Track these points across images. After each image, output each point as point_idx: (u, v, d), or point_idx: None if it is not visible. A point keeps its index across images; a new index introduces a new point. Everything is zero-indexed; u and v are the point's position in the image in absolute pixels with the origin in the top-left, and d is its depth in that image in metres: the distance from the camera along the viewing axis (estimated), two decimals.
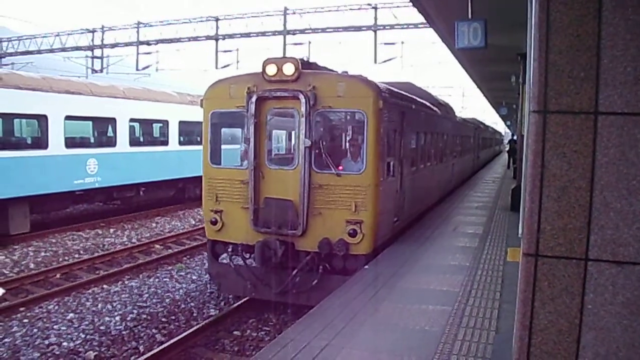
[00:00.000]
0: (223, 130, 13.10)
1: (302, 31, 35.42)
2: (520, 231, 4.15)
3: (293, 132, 12.36)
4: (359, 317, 7.76)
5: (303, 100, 10.76)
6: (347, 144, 12.32)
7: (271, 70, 11.01)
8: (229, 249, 11.74)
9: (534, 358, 3.64)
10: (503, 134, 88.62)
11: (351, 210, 10.73)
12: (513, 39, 15.28)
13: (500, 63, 20.84)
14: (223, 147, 12.77)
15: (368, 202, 10.76)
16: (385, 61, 34.77)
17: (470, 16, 11.65)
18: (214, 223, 11.80)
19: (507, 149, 56.06)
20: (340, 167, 11.25)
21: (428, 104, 18.07)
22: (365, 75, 11.75)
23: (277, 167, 11.53)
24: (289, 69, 10.90)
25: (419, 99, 16.24)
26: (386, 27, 32.95)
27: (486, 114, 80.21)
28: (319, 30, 34.96)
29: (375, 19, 32.97)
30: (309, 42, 35.95)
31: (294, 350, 6.57)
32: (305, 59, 12.04)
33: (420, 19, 19.19)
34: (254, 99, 11.11)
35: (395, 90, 12.94)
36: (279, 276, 11.14)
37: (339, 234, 10.78)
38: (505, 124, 76.75)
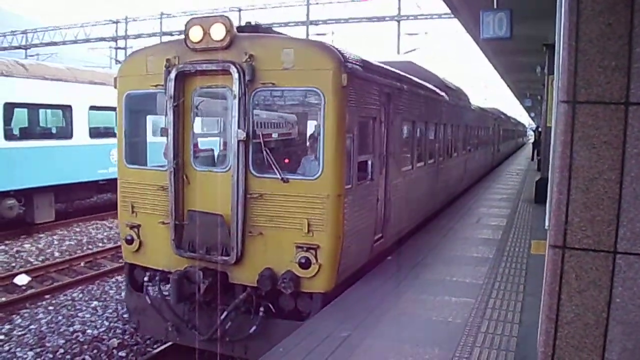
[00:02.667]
0: (149, 118, 10.24)
1: (325, 21, 35.34)
2: (547, 223, 4.10)
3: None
4: (381, 308, 7.75)
5: (235, 75, 7.83)
6: (299, 137, 10.52)
7: (195, 34, 8.10)
8: (145, 277, 8.93)
9: (560, 351, 3.60)
10: (527, 125, 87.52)
11: (302, 230, 7.77)
12: (539, 29, 15.08)
13: (525, 54, 20.62)
14: (149, 140, 9.93)
15: (326, 220, 7.74)
16: (408, 52, 34.55)
17: (495, 6, 11.53)
18: (130, 242, 8.98)
19: (530, 140, 55.56)
20: (299, 170, 8.76)
21: (431, 86, 14.57)
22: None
23: (206, 169, 8.59)
24: (217, 32, 8.00)
25: (416, 79, 12.84)
26: (410, 18, 32.73)
27: (513, 107, 79.27)
28: (342, 21, 34.86)
29: (399, 9, 32.76)
30: (332, 33, 35.88)
31: (316, 341, 6.58)
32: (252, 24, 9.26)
33: (444, 9, 19.05)
34: (173, 74, 8.21)
35: (375, 63, 9.92)
36: (210, 317, 8.32)
37: (286, 263, 7.86)
38: (530, 115, 76.02)
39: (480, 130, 25.53)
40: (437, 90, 15.21)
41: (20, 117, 18.89)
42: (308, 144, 9.75)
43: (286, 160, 9.67)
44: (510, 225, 14.15)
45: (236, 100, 7.90)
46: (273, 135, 19.78)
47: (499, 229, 13.68)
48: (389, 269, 9.88)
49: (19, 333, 10.30)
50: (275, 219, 7.95)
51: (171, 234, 8.38)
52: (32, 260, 15.29)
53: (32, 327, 10.57)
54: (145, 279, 8.85)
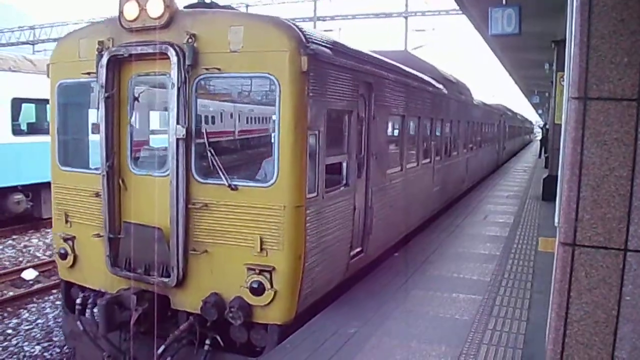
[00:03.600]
0: (91, 112, 8.31)
1: (333, 17, 35.30)
2: (556, 220, 4.08)
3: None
4: (388, 304, 7.74)
5: (174, 59, 6.59)
6: (251, 133, 9.26)
7: (130, 11, 6.86)
8: (79, 299, 7.76)
9: (569, 349, 3.58)
10: (534, 122, 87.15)
11: (254, 248, 6.54)
12: (547, 26, 15.04)
13: (533, 50, 20.55)
14: (91, 139, 8.36)
15: (283, 236, 6.51)
16: (416, 48, 34.50)
17: (504, 2, 11.48)
18: (63, 256, 7.82)
19: (537, 137, 55.29)
20: (259, 174, 7.30)
21: (425, 77, 13.14)
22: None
23: (144, 173, 7.29)
24: (154, 8, 6.74)
25: (406, 69, 11.47)
26: (417, 14, 32.66)
27: (522, 105, 78.97)
28: (350, 17, 34.81)
29: (407, 5, 32.69)
30: (339, 29, 35.83)
31: (323, 337, 6.58)
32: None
33: (452, 5, 18.98)
34: (104, 60, 6.97)
35: (351, 47, 8.58)
36: (150, 349, 6.97)
37: (236, 288, 6.65)
38: (537, 112, 75.74)
39: (484, 126, 23.90)
40: (434, 83, 13.83)
41: (28, 113, 18.93)
42: (262, 144, 8.85)
43: (241, 163, 8.66)
44: (517, 223, 14.11)
45: (175, 90, 6.65)
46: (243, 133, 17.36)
47: (506, 226, 13.64)
48: (397, 265, 9.87)
49: (27, 327, 10.36)
50: (223, 234, 6.73)
51: (105, 249, 7.19)
52: (39, 255, 15.39)
53: (39, 321, 10.62)
54: (78, 300, 7.69)
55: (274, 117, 6.58)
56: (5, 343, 9.72)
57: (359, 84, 8.13)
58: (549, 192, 16.32)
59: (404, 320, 7.19)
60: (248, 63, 6.55)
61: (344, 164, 8.06)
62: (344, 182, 8.03)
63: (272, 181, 6.56)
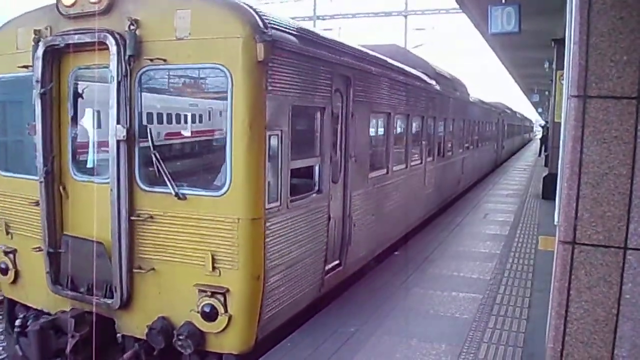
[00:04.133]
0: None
1: (332, 17, 35.29)
2: (556, 218, 4.08)
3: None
4: (389, 303, 7.75)
5: (113, 48, 5.76)
6: (205, 134, 8.55)
7: None
8: (18, 320, 6.84)
9: (569, 347, 3.59)
10: (534, 121, 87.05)
11: (206, 267, 5.74)
12: (547, 24, 15.04)
13: (533, 49, 20.53)
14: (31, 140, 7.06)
15: (238, 253, 5.68)
16: (416, 47, 34.50)
17: (503, 0, 11.46)
18: (4, 271, 7.03)
19: (537, 136, 55.22)
20: (217, 181, 6.13)
21: (415, 72, 12.26)
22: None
23: (86, 179, 6.40)
24: None
25: (392, 62, 10.51)
26: (417, 13, 32.66)
27: (523, 103, 78.81)
28: (349, 16, 34.80)
29: (406, 4, 32.70)
30: (339, 28, 35.82)
31: (324, 336, 6.58)
32: None
33: (452, 4, 19.00)
34: (40, 51, 6.13)
35: (324, 35, 7.85)
36: None
37: (185, 312, 5.83)
38: (537, 111, 75.74)
39: (481, 125, 22.98)
40: (425, 78, 12.88)
41: None
42: (213, 146, 7.27)
43: (193, 168, 7.77)
44: (517, 221, 14.11)
45: (114, 85, 5.80)
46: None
47: (506, 224, 13.65)
48: (397, 263, 9.87)
49: None
50: (171, 250, 5.91)
51: (45, 264, 6.39)
52: None
53: None
54: (18, 322, 6.74)
55: (226, 114, 5.68)
56: None
57: (334, 78, 7.30)
58: (549, 191, 16.32)
59: (404, 318, 7.20)
60: (196, 52, 5.69)
61: (316, 168, 7.20)
62: (316, 188, 7.20)
63: (223, 190, 5.68)
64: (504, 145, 34.57)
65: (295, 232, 6.56)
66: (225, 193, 5.69)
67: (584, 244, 3.47)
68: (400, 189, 10.88)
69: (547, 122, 39.57)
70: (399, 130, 11.06)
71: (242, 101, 5.54)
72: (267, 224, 5.91)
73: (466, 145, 19.08)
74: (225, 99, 5.60)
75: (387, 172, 10.01)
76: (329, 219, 7.45)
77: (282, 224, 6.23)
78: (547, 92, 36.28)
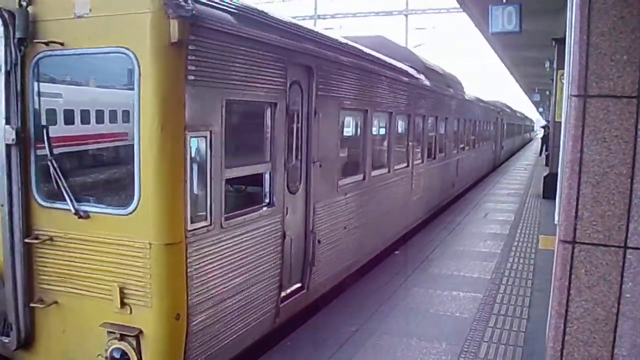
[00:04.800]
0: None
1: (333, 16, 35.29)
2: (556, 218, 4.09)
3: None
4: (389, 302, 7.76)
5: (0, 30, 4.70)
6: (115, 137, 7.10)
7: None
8: None
9: (569, 346, 3.58)
10: (534, 121, 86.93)
11: (114, 302, 4.68)
12: (548, 24, 15.03)
13: (534, 48, 20.53)
14: None
15: (152, 287, 4.61)
16: (416, 46, 34.51)
17: (504, 0, 11.45)
18: None
19: (538, 135, 55.17)
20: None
21: (400, 65, 11.09)
22: None
23: None
24: None
25: (370, 53, 9.37)
26: (417, 12, 32.66)
27: (525, 104, 78.61)
28: (350, 15, 34.79)
29: (407, 3, 32.71)
30: (340, 27, 35.82)
31: (325, 335, 6.59)
32: None
33: (453, 3, 19.00)
34: None
35: (272, 15, 6.43)
36: None
37: (92, 357, 4.83)
38: (538, 110, 75.74)
39: (478, 124, 21.94)
40: (412, 72, 11.77)
41: None
42: (121, 152, 6.12)
43: (102, 179, 6.43)
44: (518, 221, 14.11)
45: (3, 75, 4.72)
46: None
47: (507, 224, 13.65)
48: (397, 263, 9.87)
49: None
50: (76, 279, 4.84)
51: None
52: None
53: None
54: None
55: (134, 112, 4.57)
56: None
57: (289, 68, 6.18)
58: (549, 190, 16.32)
59: (404, 318, 7.20)
60: (98, 33, 4.56)
61: (266, 176, 6.08)
62: (266, 200, 6.09)
63: (131, 207, 4.56)
64: (503, 145, 33.65)
65: (234, 256, 5.41)
66: (133, 211, 4.56)
67: (584, 243, 3.46)
68: (382, 196, 9.75)
69: (547, 121, 39.50)
70: (379, 130, 10.20)
71: (151, 94, 4.42)
72: (191, 250, 4.77)
73: (461, 145, 18.18)
74: (135, 92, 4.49)
75: (364, 179, 8.85)
76: (284, 236, 6.30)
77: (213, 248, 5.07)
78: (547, 92, 36.27)
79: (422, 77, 12.43)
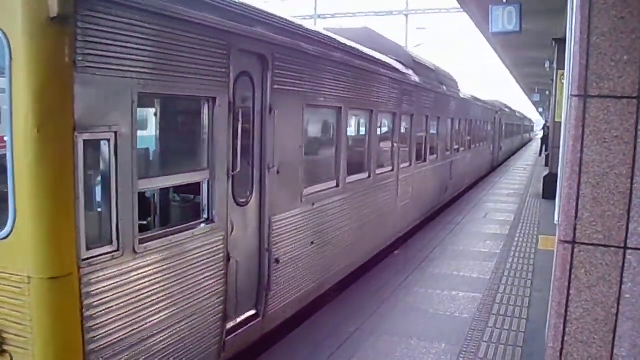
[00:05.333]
0: None
1: (333, 16, 35.29)
2: (556, 218, 4.09)
3: None
4: (389, 302, 7.75)
5: None
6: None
7: None
8: None
9: (569, 347, 3.58)
10: (533, 121, 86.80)
11: None
12: (548, 24, 15.02)
13: (534, 48, 20.52)
14: None
15: (34, 331, 3.64)
16: (416, 46, 34.51)
17: (504, 0, 11.45)
18: None
19: (538, 135, 55.16)
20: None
21: (384, 59, 10.13)
22: None
23: None
24: None
25: (337, 39, 8.11)
26: (418, 12, 32.67)
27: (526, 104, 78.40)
28: (350, 15, 34.79)
29: (407, 3, 32.72)
30: (340, 27, 35.77)
31: (324, 335, 6.58)
32: None
33: (453, 3, 19.00)
34: None
35: None
36: None
37: None
38: (538, 110, 75.73)
39: (475, 124, 21.08)
40: (399, 67, 10.80)
41: None
42: None
43: None
44: (517, 221, 14.11)
45: None
46: None
47: (507, 224, 13.64)
48: (397, 263, 9.87)
49: None
50: None
51: None
52: None
53: None
54: None
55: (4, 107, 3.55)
56: None
57: (234, 56, 5.17)
58: (549, 190, 16.32)
59: (404, 318, 7.20)
60: None
61: (204, 187, 5.10)
62: (204, 216, 5.12)
63: (4, 230, 3.63)
64: (502, 146, 32.62)
65: (154, 287, 4.42)
66: (7, 236, 3.60)
67: (583, 244, 3.46)
68: (360, 205, 8.71)
69: (547, 121, 39.39)
70: (358, 130, 9.67)
71: (23, 84, 3.48)
72: (87, 283, 3.78)
73: (456, 147, 17.26)
74: (8, 84, 3.53)
75: (338, 185, 7.86)
76: (228, 258, 5.31)
77: (122, 279, 4.08)
78: (547, 92, 36.26)
79: (410, 72, 11.50)
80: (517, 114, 48.36)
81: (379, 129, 9.64)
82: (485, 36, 19.37)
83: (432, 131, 13.71)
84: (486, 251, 10.76)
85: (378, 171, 9.60)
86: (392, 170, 10.51)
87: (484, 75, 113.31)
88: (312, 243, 7.05)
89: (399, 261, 10.00)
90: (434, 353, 6.14)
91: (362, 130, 9.70)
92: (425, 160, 13.08)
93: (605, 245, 3.42)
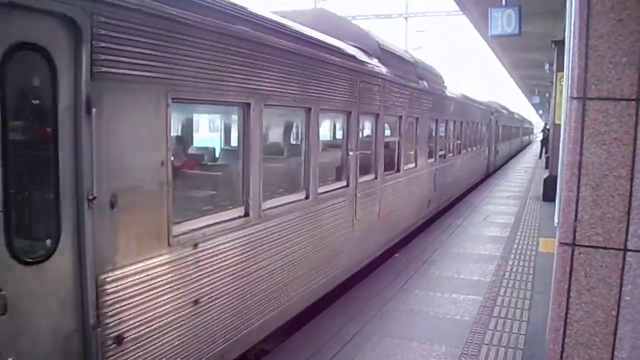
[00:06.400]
0: None
1: None
2: (556, 220, 4.08)
3: None
4: (389, 304, 7.74)
5: None
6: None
7: None
8: None
9: (569, 349, 3.59)
10: (534, 123, 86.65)
11: None
12: (547, 26, 15.05)
13: (533, 51, 20.58)
14: None
15: None
16: (416, 48, 34.55)
17: (504, 3, 11.47)
18: None
19: (538, 138, 55.11)
20: None
21: (324, 39, 7.55)
22: None
23: None
24: None
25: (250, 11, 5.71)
26: (417, 15, 32.74)
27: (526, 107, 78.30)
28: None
29: (407, 6, 32.79)
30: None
31: (325, 337, 6.58)
32: None
33: (453, 6, 19.02)
34: None
35: None
36: None
37: None
38: (538, 113, 75.73)
39: (465, 126, 18.72)
40: (356, 54, 8.49)
41: None
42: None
43: None
44: (518, 223, 14.09)
45: None
46: None
47: (507, 226, 13.63)
48: (397, 265, 9.86)
49: None
50: None
51: None
52: None
53: None
54: None
55: None
56: None
57: (4, 16, 3.16)
58: (549, 193, 16.30)
59: (404, 320, 7.19)
60: None
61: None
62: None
63: None
64: (499, 150, 30.12)
65: None
66: None
67: (583, 246, 3.47)
68: (289, 235, 6.39)
69: (546, 123, 39.34)
70: (286, 133, 7.85)
71: None
72: None
73: (441, 152, 14.97)
74: None
75: (247, 214, 5.55)
76: None
77: None
78: (547, 94, 36.29)
79: (374, 62, 9.18)
80: (516, 116, 46.78)
81: (319, 134, 7.30)
82: (484, 38, 19.40)
83: (407, 135, 11.33)
84: (486, 253, 10.75)
85: (323, 190, 7.32)
86: (347, 186, 8.13)
87: (484, 77, 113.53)
88: (196, 302, 4.83)
89: (400, 264, 9.98)
90: (434, 356, 6.13)
91: (292, 136, 7.92)
92: (398, 171, 10.77)
93: (605, 247, 3.43)
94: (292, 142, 8.16)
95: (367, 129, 9.54)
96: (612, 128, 3.34)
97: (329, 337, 6.60)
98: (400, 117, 10.67)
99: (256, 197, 5.67)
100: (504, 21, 11.24)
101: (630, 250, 3.38)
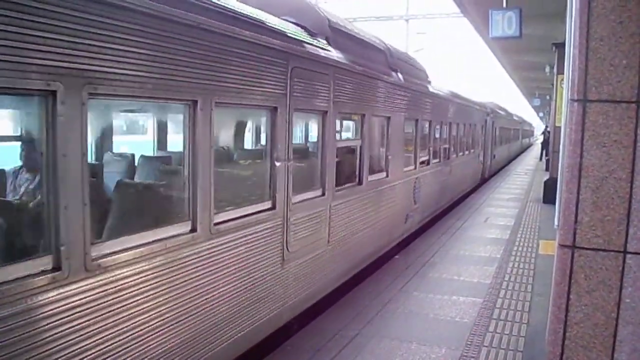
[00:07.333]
0: None
1: None
2: (556, 222, 4.09)
3: None
4: (389, 306, 7.74)
5: None
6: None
7: None
8: None
9: (569, 351, 3.58)
10: (534, 125, 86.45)
11: None
12: (548, 28, 15.06)
13: (534, 53, 20.58)
14: None
15: None
16: (417, 50, 34.55)
17: (504, 5, 11.47)
18: None
19: (538, 140, 55.06)
20: None
21: (241, 10, 5.42)
22: None
23: None
24: None
25: None
26: (418, 17, 32.74)
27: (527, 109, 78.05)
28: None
29: (407, 8, 32.80)
30: None
31: (324, 339, 6.57)
32: None
33: (454, 8, 19.03)
34: None
35: None
36: None
37: None
38: (538, 115, 75.72)
39: (455, 128, 16.73)
40: (292, 31, 6.50)
41: None
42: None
43: None
44: (518, 225, 14.09)
45: None
46: None
47: (507, 228, 13.62)
48: (397, 267, 9.86)
49: None
50: None
51: None
52: None
53: None
54: None
55: None
56: None
57: None
58: (550, 195, 16.30)
59: (404, 322, 7.19)
60: None
61: None
62: None
63: None
64: (495, 154, 27.65)
65: None
66: None
67: (583, 248, 3.47)
68: (183, 280, 4.56)
69: (547, 126, 39.28)
70: (191, 141, 4.74)
71: None
72: None
73: (424, 159, 12.94)
74: None
75: (153, 242, 4.18)
76: None
77: None
78: (548, 97, 36.29)
79: (318, 42, 7.19)
80: (515, 117, 43.99)
81: (249, 137, 6.17)
82: (485, 41, 19.40)
83: (376, 139, 9.52)
84: (487, 255, 10.74)
85: (223, 216, 5.13)
86: (272, 208, 5.98)
87: (486, 79, 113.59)
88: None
89: (400, 265, 9.98)
90: (434, 358, 6.12)
91: (201, 142, 4.87)
92: (359, 183, 8.53)
93: (605, 250, 3.43)
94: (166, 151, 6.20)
95: (316, 132, 7.62)
96: (612, 130, 3.34)
97: (328, 338, 6.60)
98: (363, 115, 8.47)
99: (134, 230, 4.14)
100: (504, 23, 11.24)
101: (630, 253, 3.38)
